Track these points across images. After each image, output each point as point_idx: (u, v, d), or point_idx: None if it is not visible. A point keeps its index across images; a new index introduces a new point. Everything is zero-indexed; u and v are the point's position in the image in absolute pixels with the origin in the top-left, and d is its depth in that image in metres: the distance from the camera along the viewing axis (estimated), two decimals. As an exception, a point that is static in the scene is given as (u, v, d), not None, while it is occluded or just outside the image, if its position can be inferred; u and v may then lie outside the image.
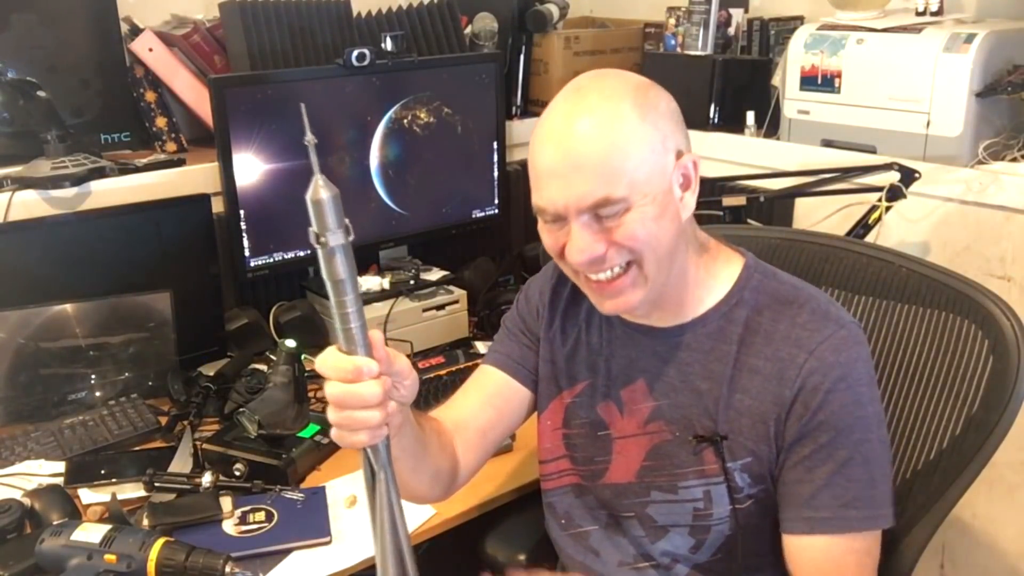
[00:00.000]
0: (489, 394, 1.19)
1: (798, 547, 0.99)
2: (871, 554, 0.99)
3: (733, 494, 1.03)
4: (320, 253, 0.72)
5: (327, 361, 0.80)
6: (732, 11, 2.15)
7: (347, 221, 0.72)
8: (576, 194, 0.93)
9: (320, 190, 0.70)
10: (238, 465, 1.38)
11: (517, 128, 2.22)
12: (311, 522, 1.30)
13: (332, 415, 0.80)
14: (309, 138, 0.71)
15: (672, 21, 2.22)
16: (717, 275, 1.06)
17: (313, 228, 0.71)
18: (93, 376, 1.63)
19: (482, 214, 2.12)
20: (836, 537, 0.97)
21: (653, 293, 1.00)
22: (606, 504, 1.12)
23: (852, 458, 0.97)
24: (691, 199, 1.00)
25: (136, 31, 1.90)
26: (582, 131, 0.93)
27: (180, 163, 1.83)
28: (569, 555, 1.17)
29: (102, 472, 1.39)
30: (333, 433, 0.81)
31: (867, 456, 0.97)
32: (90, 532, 1.14)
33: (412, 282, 1.93)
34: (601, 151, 0.92)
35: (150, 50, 1.89)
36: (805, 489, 0.98)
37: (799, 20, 2.11)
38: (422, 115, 1.95)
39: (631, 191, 0.93)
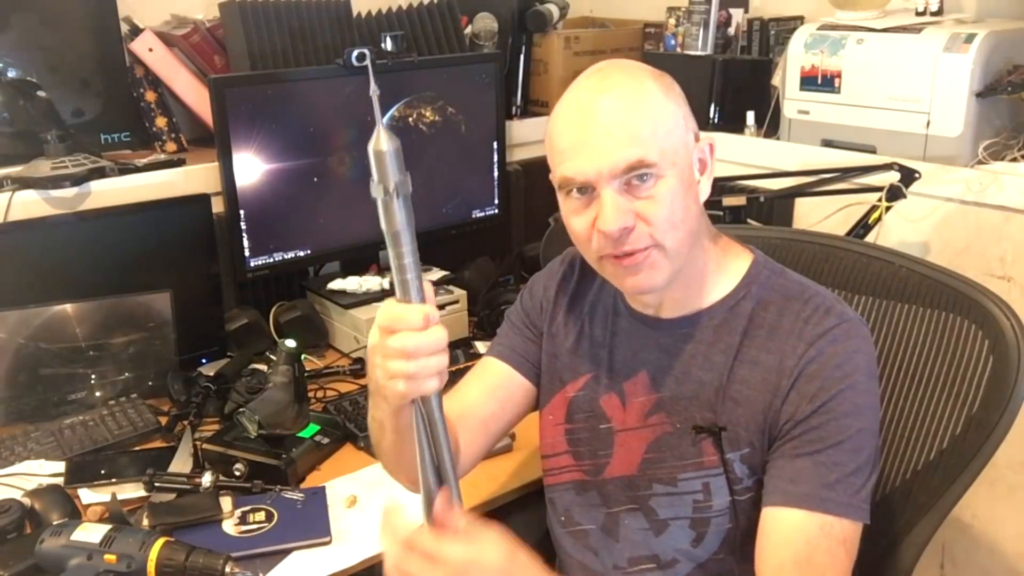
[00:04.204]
0: (492, 386, 1.18)
1: (773, 519, 0.97)
2: (845, 545, 0.95)
3: (732, 485, 1.03)
4: (379, 204, 0.74)
5: (394, 314, 0.80)
6: (732, 11, 2.16)
7: (407, 173, 0.74)
8: (610, 160, 0.93)
9: (382, 141, 0.72)
10: (238, 465, 1.38)
11: (517, 128, 2.22)
12: (311, 522, 1.30)
13: (403, 366, 0.80)
14: (373, 89, 0.73)
15: (672, 21, 2.22)
16: (727, 268, 1.07)
17: (374, 178, 0.73)
18: (93, 376, 1.63)
19: (482, 214, 2.12)
20: (812, 514, 0.95)
21: (674, 271, 1.00)
22: (609, 499, 1.12)
23: (841, 442, 0.96)
24: (707, 185, 1.02)
25: (136, 31, 1.90)
26: (612, 101, 0.95)
27: (180, 163, 1.83)
28: (568, 553, 1.17)
29: (102, 472, 1.39)
30: (402, 385, 0.81)
31: (857, 445, 0.97)
32: (90, 532, 1.14)
33: (412, 282, 1.93)
34: (633, 118, 0.94)
35: (150, 50, 1.89)
36: (789, 465, 0.98)
37: (799, 20, 2.11)
38: (422, 115, 1.95)
39: (662, 158, 0.94)
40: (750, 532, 1.01)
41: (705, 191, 1.02)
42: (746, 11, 2.20)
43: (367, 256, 2.03)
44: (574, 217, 0.99)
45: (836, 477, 0.95)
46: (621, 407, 1.10)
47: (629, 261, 0.98)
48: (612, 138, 0.93)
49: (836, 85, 1.82)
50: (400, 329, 0.80)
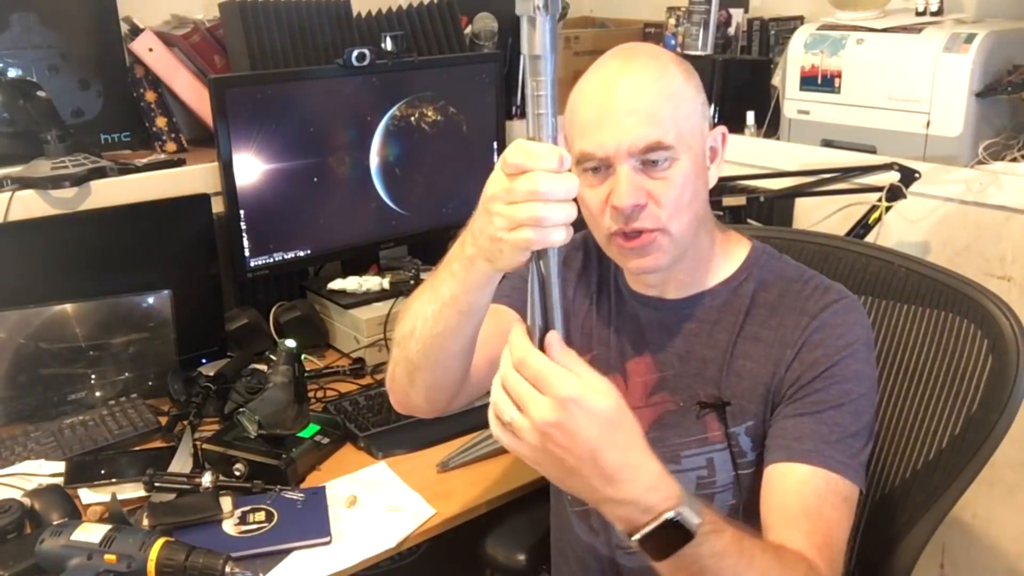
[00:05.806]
0: (501, 328, 1.15)
1: (780, 474, 0.98)
2: (848, 504, 0.96)
3: (736, 459, 1.04)
4: (525, 21, 0.69)
5: (526, 151, 0.74)
6: (732, 11, 2.15)
7: None
8: (629, 137, 0.95)
9: None
10: (238, 465, 1.38)
11: (517, 128, 2.22)
12: (311, 522, 1.30)
13: (533, 210, 0.74)
14: None
15: (672, 21, 2.22)
16: (729, 253, 1.10)
17: None
18: (93, 376, 1.63)
19: (482, 214, 2.11)
20: (817, 469, 0.96)
21: (677, 255, 1.02)
22: None
23: (842, 404, 0.98)
24: (715, 173, 1.05)
25: (136, 31, 1.90)
26: (636, 80, 0.97)
27: (180, 163, 1.83)
28: (577, 535, 1.17)
29: (102, 472, 1.39)
30: (529, 233, 0.75)
31: (858, 409, 0.99)
32: (90, 532, 1.14)
33: (412, 282, 1.93)
34: (655, 98, 0.96)
35: (150, 50, 1.90)
36: (791, 424, 0.99)
37: (799, 20, 2.11)
38: (422, 115, 1.95)
39: (678, 141, 0.97)
40: (753, 507, 1.02)
41: (713, 179, 1.04)
42: (746, 11, 2.20)
43: (367, 256, 2.03)
44: (589, 191, 1.00)
45: (837, 436, 0.97)
46: (624, 387, 1.11)
47: (636, 242, 0.99)
48: (634, 116, 0.95)
49: (836, 85, 1.81)
50: (532, 169, 0.74)
